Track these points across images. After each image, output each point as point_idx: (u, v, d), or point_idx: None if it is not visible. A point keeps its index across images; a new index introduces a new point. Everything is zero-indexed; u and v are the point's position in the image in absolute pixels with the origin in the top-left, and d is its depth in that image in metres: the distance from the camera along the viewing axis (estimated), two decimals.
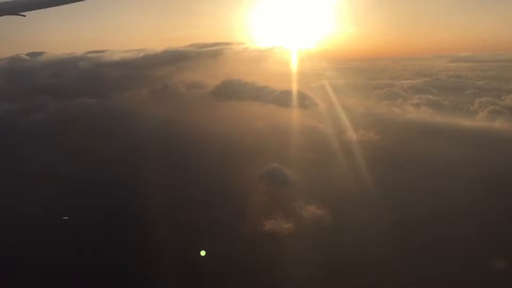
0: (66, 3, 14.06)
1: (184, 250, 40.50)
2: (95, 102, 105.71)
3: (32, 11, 13.81)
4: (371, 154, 70.28)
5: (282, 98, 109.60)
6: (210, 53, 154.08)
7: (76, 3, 14.01)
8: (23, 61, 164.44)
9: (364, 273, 37.32)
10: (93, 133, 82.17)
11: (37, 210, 48.42)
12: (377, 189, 53.72)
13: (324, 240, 42.21)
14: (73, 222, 46.07)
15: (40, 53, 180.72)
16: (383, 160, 67.07)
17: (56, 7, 14.04)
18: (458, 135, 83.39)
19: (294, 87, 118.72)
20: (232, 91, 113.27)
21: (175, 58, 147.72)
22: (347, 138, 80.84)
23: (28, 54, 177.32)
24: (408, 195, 52.49)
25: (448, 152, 70.53)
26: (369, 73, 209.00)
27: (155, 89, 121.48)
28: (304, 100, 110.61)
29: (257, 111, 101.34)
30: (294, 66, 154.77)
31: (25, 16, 14.00)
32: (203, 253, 39.91)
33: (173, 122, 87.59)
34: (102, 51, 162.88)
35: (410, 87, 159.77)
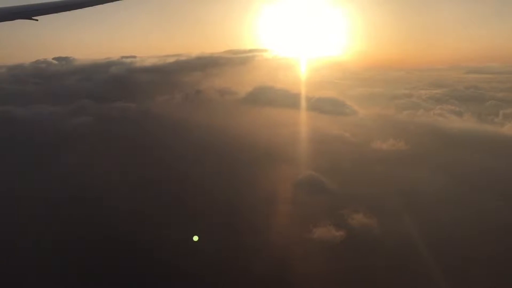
0: (80, 8, 14.17)
1: (231, 256, 41.43)
2: (132, 106, 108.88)
3: (45, 15, 13.78)
4: (404, 162, 72.16)
5: (319, 105, 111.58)
6: (239, 60, 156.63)
7: (94, 6, 14.30)
8: (52, 65, 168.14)
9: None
10: (135, 137, 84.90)
11: (82, 210, 50.78)
12: (417, 199, 55.14)
13: (375, 249, 43.04)
14: (106, 222, 47.24)
15: (66, 58, 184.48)
16: (418, 169, 68.45)
17: (70, 11, 14.13)
18: (491, 145, 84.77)
19: (330, 94, 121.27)
20: (266, 97, 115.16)
21: (205, 65, 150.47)
22: (381, 146, 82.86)
23: (54, 59, 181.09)
24: (450, 206, 53.61)
25: (483, 161, 72.01)
26: (384, 83, 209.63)
27: (188, 94, 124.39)
28: (342, 108, 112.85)
29: (295, 118, 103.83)
30: (317, 75, 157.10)
31: (37, 20, 14.02)
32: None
33: (208, 129, 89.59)
34: (134, 57, 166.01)
35: (429, 98, 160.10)
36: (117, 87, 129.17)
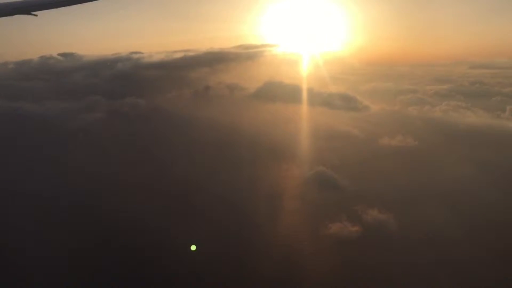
0: (80, 3, 13.91)
1: (245, 253, 41.70)
2: (142, 103, 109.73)
3: (44, 10, 13.63)
4: (414, 158, 73.41)
5: (331, 101, 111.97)
6: (247, 56, 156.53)
7: (93, 2, 13.90)
8: (58, 61, 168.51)
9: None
10: (146, 134, 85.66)
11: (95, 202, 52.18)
12: (429, 195, 55.91)
13: (392, 245, 43.70)
14: (117, 218, 48.17)
15: (71, 54, 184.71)
16: (428, 164, 69.71)
17: (69, 6, 13.96)
18: (499, 140, 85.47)
19: (339, 90, 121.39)
20: (276, 93, 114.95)
21: (214, 60, 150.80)
22: (389, 142, 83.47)
23: (59, 55, 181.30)
24: (460, 200, 54.64)
25: (492, 156, 72.98)
26: (388, 79, 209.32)
27: (197, 90, 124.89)
28: (352, 103, 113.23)
29: (304, 114, 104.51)
30: (323, 70, 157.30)
31: (36, 15, 13.89)
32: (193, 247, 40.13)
33: (219, 125, 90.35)
34: (140, 52, 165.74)
35: (435, 93, 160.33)
36: (125, 83, 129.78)
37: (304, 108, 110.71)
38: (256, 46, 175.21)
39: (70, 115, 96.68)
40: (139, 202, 52.83)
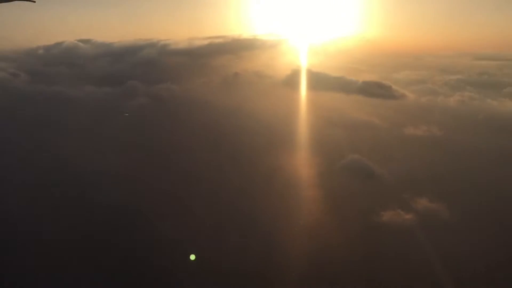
0: None
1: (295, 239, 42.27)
2: (177, 89, 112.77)
3: None
4: (442, 147, 74.78)
5: (367, 89, 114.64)
6: (270, 44, 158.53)
7: None
8: (79, 47, 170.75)
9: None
10: (187, 119, 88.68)
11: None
12: (470, 183, 57.04)
13: (447, 235, 43.39)
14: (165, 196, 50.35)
15: (89, 40, 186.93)
16: (460, 153, 70.81)
17: None
18: None
19: (374, 78, 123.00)
20: (306, 81, 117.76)
21: (238, 47, 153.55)
22: (414, 131, 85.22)
23: (78, 41, 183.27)
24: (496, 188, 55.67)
25: None
26: (395, 69, 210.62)
27: (226, 77, 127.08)
28: (390, 91, 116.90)
29: (336, 102, 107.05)
30: (335, 60, 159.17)
31: (35, 2, 14.39)
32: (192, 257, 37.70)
33: (251, 113, 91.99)
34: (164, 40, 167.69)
35: (444, 84, 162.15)
36: (153, 69, 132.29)
37: (335, 96, 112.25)
38: (280, 35, 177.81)
39: (114, 100, 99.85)
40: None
